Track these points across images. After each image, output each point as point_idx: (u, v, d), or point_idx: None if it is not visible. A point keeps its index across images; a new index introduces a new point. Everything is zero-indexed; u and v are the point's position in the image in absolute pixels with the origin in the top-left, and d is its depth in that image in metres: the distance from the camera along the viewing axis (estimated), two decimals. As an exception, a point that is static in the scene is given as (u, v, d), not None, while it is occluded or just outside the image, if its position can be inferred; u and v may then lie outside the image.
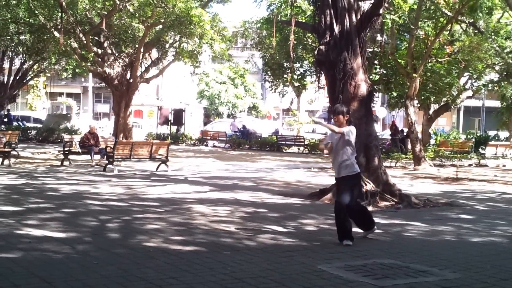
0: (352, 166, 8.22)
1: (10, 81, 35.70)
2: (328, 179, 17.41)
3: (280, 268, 6.73)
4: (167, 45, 28.52)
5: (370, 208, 12.03)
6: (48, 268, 6.28)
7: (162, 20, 24.61)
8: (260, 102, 59.05)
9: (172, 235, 8.39)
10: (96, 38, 27.45)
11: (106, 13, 24.87)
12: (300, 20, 24.44)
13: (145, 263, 6.71)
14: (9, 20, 26.53)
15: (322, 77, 15.02)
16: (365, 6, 13.68)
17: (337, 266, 6.89)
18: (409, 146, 26.89)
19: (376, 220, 10.51)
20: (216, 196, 13.06)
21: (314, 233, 9.11)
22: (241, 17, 65.16)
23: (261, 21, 31.56)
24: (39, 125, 37.19)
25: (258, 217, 10.36)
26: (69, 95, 55.33)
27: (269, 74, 35.25)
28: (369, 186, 12.74)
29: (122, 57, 27.63)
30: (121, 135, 26.87)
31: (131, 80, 27.53)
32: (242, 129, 37.63)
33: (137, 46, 27.15)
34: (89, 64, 27.01)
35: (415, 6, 23.48)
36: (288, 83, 35.25)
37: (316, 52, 13.96)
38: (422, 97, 27.67)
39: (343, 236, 8.16)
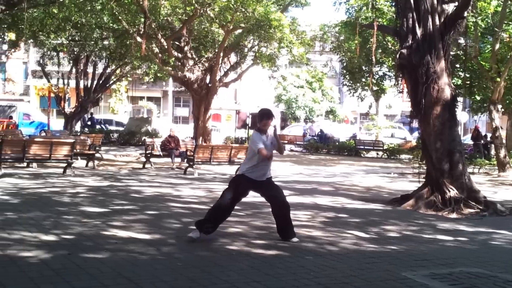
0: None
1: (94, 85, 36.67)
2: (408, 184, 17.10)
3: (363, 274, 6.65)
4: (246, 50, 28.70)
5: (453, 215, 11.76)
6: (135, 269, 6.41)
7: (242, 25, 24.79)
8: (337, 106, 58.64)
9: (254, 238, 8.42)
10: (177, 43, 27.90)
11: (187, 18, 25.25)
12: (381, 23, 24.12)
13: (228, 266, 6.75)
14: (94, 26, 27.24)
15: (402, 81, 14.79)
16: (449, 8, 13.37)
17: (423, 274, 6.75)
18: (493, 152, 26.10)
19: (461, 227, 10.31)
20: (295, 201, 12.99)
21: (397, 239, 8.95)
22: (319, 20, 64.77)
23: (340, 24, 31.37)
24: (121, 128, 38.16)
25: (339, 222, 10.26)
26: (149, 99, 56.43)
27: (348, 78, 34.99)
28: (452, 192, 12.41)
29: (202, 61, 27.98)
30: (201, 139, 27.22)
31: (210, 84, 27.84)
32: (319, 133, 37.46)
33: (216, 50, 27.45)
34: (169, 68, 27.48)
35: (499, 8, 22.78)
36: (366, 87, 34.89)
37: (398, 56, 13.71)
38: (507, 102, 26.79)
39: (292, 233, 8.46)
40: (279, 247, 7.89)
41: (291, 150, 35.55)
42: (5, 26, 27.65)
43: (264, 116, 8.33)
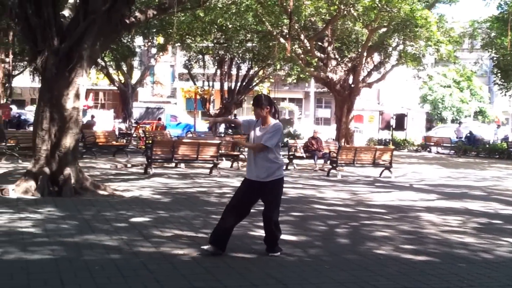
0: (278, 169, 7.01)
1: (237, 87, 37.41)
2: None
3: (523, 285, 6.26)
4: (390, 49, 28.09)
5: None
6: (283, 270, 6.41)
7: (386, 23, 24.29)
8: (487, 107, 56.05)
9: (402, 243, 8.16)
10: (319, 43, 27.84)
11: (330, 18, 25.13)
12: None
13: (376, 270, 6.60)
14: (239, 28, 27.74)
15: None
16: None
17: None
18: None
19: None
20: (444, 205, 12.53)
21: (559, 249, 8.34)
22: (468, 16, 62.07)
23: (491, 19, 29.94)
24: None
25: (493, 229, 9.72)
26: (291, 100, 56.89)
27: (499, 76, 33.31)
28: None
29: (344, 61, 27.73)
30: (343, 140, 26.98)
31: (353, 85, 27.53)
32: (468, 135, 35.92)
33: (360, 50, 27.10)
34: (312, 69, 27.46)
35: None
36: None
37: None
38: None
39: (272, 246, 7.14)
40: (429, 253, 7.59)
41: (438, 153, 34.38)
42: (154, 30, 28.90)
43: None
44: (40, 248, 6.92)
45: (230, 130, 38.32)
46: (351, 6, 23.21)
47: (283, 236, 8.21)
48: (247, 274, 6.20)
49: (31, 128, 32.45)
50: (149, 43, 36.02)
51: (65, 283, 5.61)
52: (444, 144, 34.59)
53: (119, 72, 41.46)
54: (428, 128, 51.48)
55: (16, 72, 36.81)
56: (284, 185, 14.98)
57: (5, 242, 7.18)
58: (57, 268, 6.09)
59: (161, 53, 38.58)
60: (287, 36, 23.79)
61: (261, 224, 9.10)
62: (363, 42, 26.42)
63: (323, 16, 25.98)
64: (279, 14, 24.88)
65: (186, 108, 51.64)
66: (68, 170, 11.80)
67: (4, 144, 20.38)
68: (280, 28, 25.87)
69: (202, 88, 39.07)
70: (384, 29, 25.45)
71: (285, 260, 6.90)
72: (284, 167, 7.14)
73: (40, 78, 13.95)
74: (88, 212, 9.60)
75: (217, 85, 39.27)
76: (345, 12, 23.78)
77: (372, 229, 9.13)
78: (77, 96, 11.97)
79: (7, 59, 29.43)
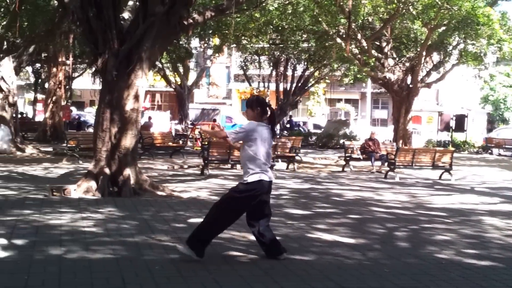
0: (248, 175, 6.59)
1: (293, 88, 37.34)
2: None
3: None
4: (450, 48, 27.57)
5: None
6: (342, 273, 6.34)
7: (446, 22, 23.85)
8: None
9: (464, 247, 7.96)
10: (377, 43, 27.54)
11: (388, 17, 24.83)
12: None
13: (438, 275, 6.45)
14: (295, 28, 27.65)
15: None
16: None
17: None
18: None
19: None
20: (507, 209, 12.20)
21: None
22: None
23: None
24: (318, 131, 38.50)
25: (561, 233, 9.40)
26: (347, 101, 56.47)
27: None
28: None
29: (402, 61, 27.35)
30: (401, 142, 26.63)
31: (411, 85, 27.13)
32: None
33: (418, 49, 26.68)
34: (369, 69, 27.18)
35: None
36: None
37: None
38: None
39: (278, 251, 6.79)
40: (493, 258, 7.39)
41: (499, 155, 33.48)
42: (211, 31, 29.12)
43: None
44: (101, 247, 7.03)
45: (285, 132, 38.31)
46: (410, 4, 22.91)
47: (340, 239, 8.16)
48: (305, 276, 6.14)
49: (90, 130, 33.29)
50: (205, 45, 36.30)
51: (127, 282, 5.68)
52: (507, 146, 33.65)
53: (175, 73, 41.95)
54: (490, 129, 50.29)
55: (76, 74, 37.71)
56: (341, 187, 15.10)
57: (68, 241, 7.32)
58: (118, 267, 6.17)
59: (217, 55, 38.84)
60: (344, 36, 23.60)
61: (319, 226, 9.09)
62: (422, 41, 26.02)
63: (381, 15, 25.71)
64: (335, 13, 24.70)
65: (242, 109, 51.92)
66: (127, 171, 11.97)
67: (65, 145, 20.89)
68: (336, 28, 25.68)
69: (257, 89, 39.19)
70: (444, 28, 24.99)
71: (344, 263, 6.81)
72: (258, 177, 6.60)
73: (100, 80, 14.19)
74: (147, 213, 9.71)
75: (272, 86, 39.29)
76: (404, 10, 23.47)
77: (432, 233, 8.94)
78: (136, 97, 12.13)
79: (68, 62, 30.17)
